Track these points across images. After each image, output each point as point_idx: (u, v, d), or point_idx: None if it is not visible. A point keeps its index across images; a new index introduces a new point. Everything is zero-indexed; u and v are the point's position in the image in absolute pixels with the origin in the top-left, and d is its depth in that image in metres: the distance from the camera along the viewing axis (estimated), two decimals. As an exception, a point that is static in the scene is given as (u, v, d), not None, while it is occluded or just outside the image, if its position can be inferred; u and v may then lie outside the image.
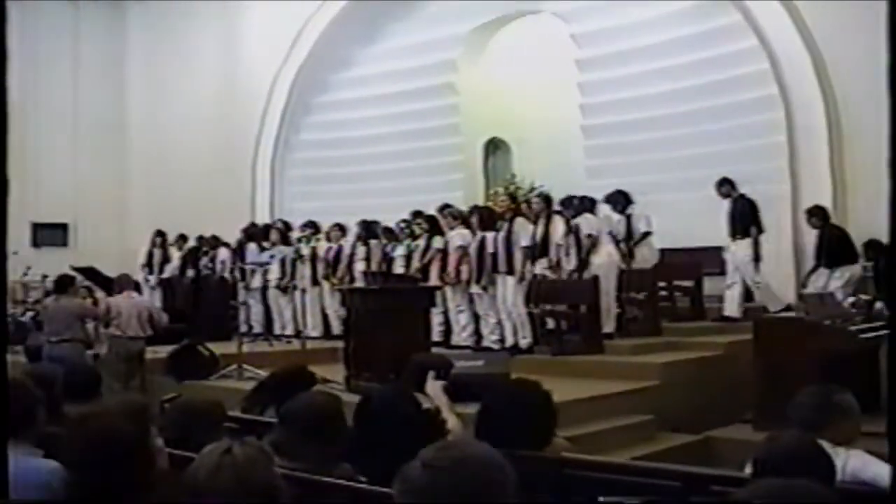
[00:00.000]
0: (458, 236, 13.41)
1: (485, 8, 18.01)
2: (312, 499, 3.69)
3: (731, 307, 13.30)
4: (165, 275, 17.70)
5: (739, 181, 13.59)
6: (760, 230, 13.20)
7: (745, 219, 13.20)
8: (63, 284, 12.41)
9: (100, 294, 15.17)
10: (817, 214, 12.98)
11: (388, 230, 15.04)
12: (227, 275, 16.56)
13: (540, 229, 12.74)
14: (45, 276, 16.68)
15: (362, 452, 4.03)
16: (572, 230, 12.72)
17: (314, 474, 3.83)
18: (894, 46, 2.56)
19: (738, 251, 13.23)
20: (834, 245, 12.70)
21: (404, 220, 14.80)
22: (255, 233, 16.81)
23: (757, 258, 13.16)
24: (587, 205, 13.16)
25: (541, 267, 12.61)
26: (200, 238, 17.59)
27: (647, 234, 13.63)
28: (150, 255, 17.89)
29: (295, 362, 8.40)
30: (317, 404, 4.40)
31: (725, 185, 13.51)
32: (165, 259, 17.73)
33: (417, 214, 14.48)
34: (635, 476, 4.39)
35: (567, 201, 13.50)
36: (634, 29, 16.18)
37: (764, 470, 3.51)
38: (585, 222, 12.81)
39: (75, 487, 3.03)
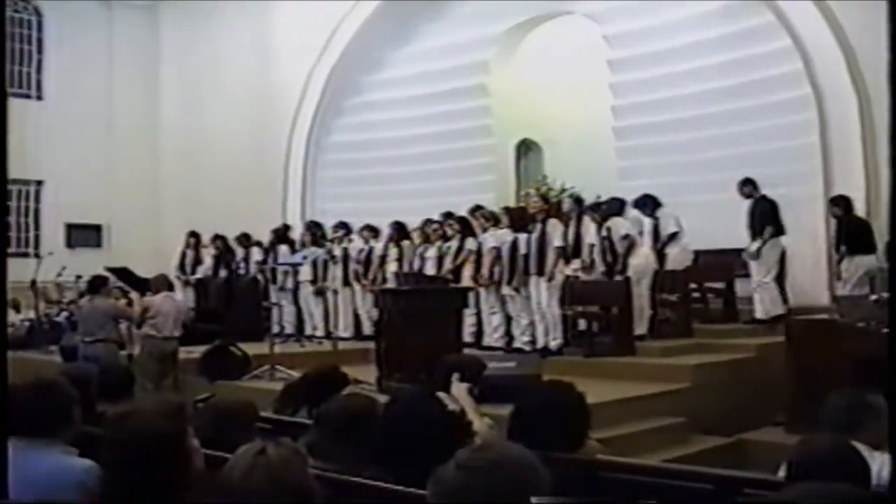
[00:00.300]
0: (492, 237, 13.41)
1: (517, 9, 18.00)
2: (343, 499, 3.70)
3: (760, 309, 13.21)
4: (198, 275, 17.73)
5: (772, 182, 13.51)
6: (780, 232, 13.14)
7: (765, 219, 13.14)
8: (96, 285, 12.48)
9: (133, 295, 15.24)
10: (839, 204, 12.92)
11: (419, 231, 15.05)
12: (258, 275, 16.61)
13: (571, 230, 12.73)
14: (79, 277, 16.78)
15: (388, 453, 4.04)
16: (604, 231, 12.71)
17: (347, 476, 3.84)
18: (894, 46, 2.55)
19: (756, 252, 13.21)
20: (853, 233, 12.63)
21: (435, 221, 14.79)
22: (286, 234, 16.88)
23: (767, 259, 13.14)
24: (616, 207, 13.14)
25: (572, 268, 12.59)
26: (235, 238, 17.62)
27: (675, 235, 13.58)
28: (184, 256, 17.95)
29: (327, 363, 8.40)
30: (351, 406, 4.41)
31: (748, 186, 13.45)
32: (198, 260, 17.77)
33: (449, 216, 14.47)
34: (668, 479, 4.38)
35: (595, 206, 13.48)
36: (667, 30, 16.13)
37: (798, 473, 3.49)
38: (620, 223, 12.79)
39: (112, 486, 3.05)
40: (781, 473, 4.02)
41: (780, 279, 13.21)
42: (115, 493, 3.02)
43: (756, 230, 13.19)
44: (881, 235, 12.43)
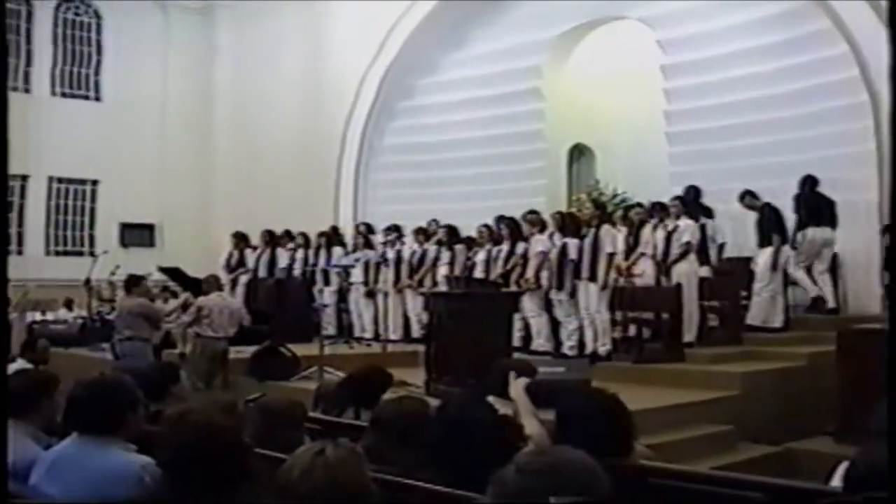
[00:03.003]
0: (540, 242, 13.42)
1: (571, 14, 18.02)
2: (398, 502, 3.73)
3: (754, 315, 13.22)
4: (242, 275, 17.66)
5: (826, 188, 13.46)
6: (785, 240, 13.18)
7: (771, 228, 13.11)
8: (128, 284, 12.61)
9: (184, 295, 15.37)
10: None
11: (469, 237, 15.09)
12: (308, 276, 16.67)
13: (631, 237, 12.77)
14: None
15: (439, 457, 4.06)
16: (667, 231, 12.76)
17: (402, 478, 3.87)
18: (895, 46, 2.56)
19: (760, 260, 13.25)
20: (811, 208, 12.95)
21: (485, 225, 14.82)
22: (337, 235, 16.96)
23: (775, 267, 13.09)
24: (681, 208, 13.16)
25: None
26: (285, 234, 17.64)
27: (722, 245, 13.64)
28: (230, 257, 17.93)
29: (371, 363, 8.45)
30: (406, 410, 4.44)
31: (747, 197, 13.53)
32: (241, 262, 17.70)
33: (502, 219, 14.50)
34: (718, 486, 4.37)
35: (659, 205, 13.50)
36: (720, 35, 16.07)
37: (858, 484, 3.47)
38: (687, 229, 12.75)
39: (175, 484, 3.10)
40: (835, 483, 4.02)
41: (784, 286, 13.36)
42: (177, 490, 3.07)
43: (764, 239, 13.19)
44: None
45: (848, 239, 13.67)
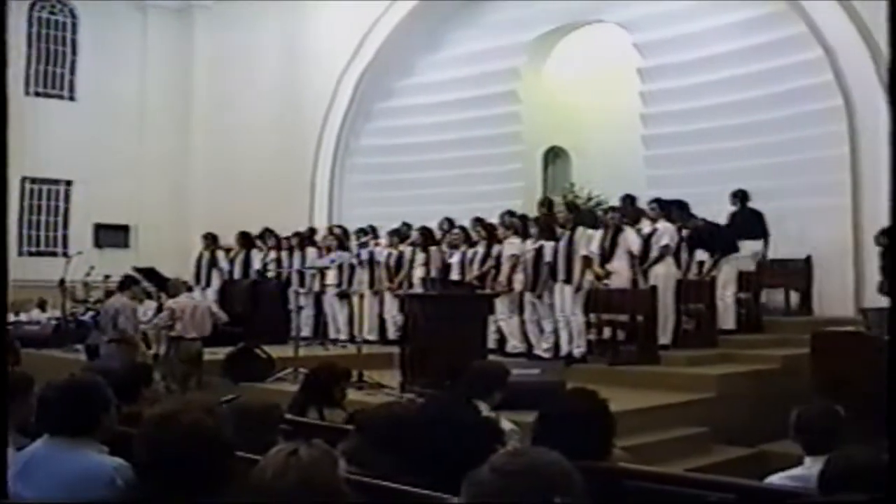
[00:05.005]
0: (512, 245, 13.42)
1: (548, 17, 18.05)
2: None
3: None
4: (214, 278, 17.56)
5: (800, 193, 13.53)
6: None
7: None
8: (122, 285, 12.61)
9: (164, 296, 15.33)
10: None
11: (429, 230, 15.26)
12: (283, 277, 16.64)
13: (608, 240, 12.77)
14: (107, 277, 16.93)
15: (421, 459, 4.04)
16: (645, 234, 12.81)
17: (380, 480, 3.86)
18: (895, 46, 2.57)
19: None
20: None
21: (460, 227, 14.83)
22: (312, 237, 16.93)
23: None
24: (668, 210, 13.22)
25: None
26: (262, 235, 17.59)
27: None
28: (200, 258, 17.81)
29: (324, 361, 8.48)
30: (393, 414, 4.42)
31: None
32: (213, 263, 17.62)
33: (478, 221, 14.50)
34: (693, 488, 4.38)
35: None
36: (697, 39, 16.14)
37: (833, 486, 3.49)
38: (666, 231, 12.78)
39: (153, 486, 3.08)
40: (771, 479, 4.09)
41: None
42: (153, 492, 3.05)
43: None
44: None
45: (821, 242, 13.74)
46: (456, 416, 4.25)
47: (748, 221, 13.73)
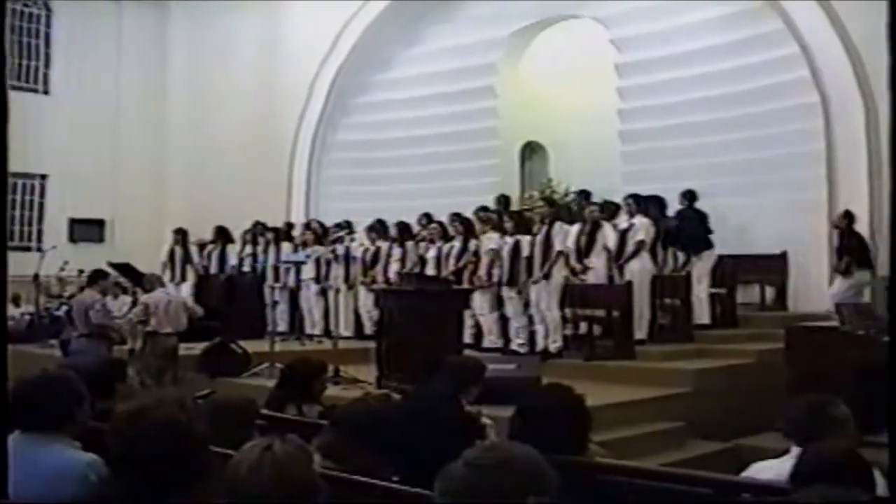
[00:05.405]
0: (491, 240, 13.42)
1: (525, 12, 18.02)
2: (351, 498, 3.71)
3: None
4: (189, 272, 17.51)
5: (777, 188, 13.59)
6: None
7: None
8: (92, 279, 12.54)
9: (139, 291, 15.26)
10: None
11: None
12: (258, 272, 16.60)
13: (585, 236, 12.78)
14: (81, 272, 16.82)
15: (403, 452, 4.03)
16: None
17: (356, 476, 3.85)
18: (894, 46, 2.58)
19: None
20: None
21: (437, 222, 14.82)
22: (289, 232, 16.92)
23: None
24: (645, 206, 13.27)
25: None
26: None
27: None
28: (172, 253, 17.74)
29: (300, 356, 8.51)
30: (369, 409, 4.40)
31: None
32: (187, 257, 17.56)
33: (456, 216, 14.49)
34: (666, 482, 4.39)
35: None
36: (674, 35, 16.14)
37: (805, 479, 3.50)
38: (643, 226, 12.81)
39: (128, 482, 3.05)
40: (746, 473, 4.09)
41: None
42: (127, 488, 3.03)
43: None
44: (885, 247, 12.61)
45: (796, 237, 13.79)
46: (441, 412, 4.25)
47: (692, 220, 13.77)
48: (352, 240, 15.67)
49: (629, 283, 12.23)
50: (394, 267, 14.72)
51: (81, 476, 3.70)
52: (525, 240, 12.92)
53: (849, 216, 13.05)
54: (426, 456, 3.84)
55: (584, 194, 15.07)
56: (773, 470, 4.38)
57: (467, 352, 10.85)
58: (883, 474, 3.78)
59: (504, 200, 16.13)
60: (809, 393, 4.88)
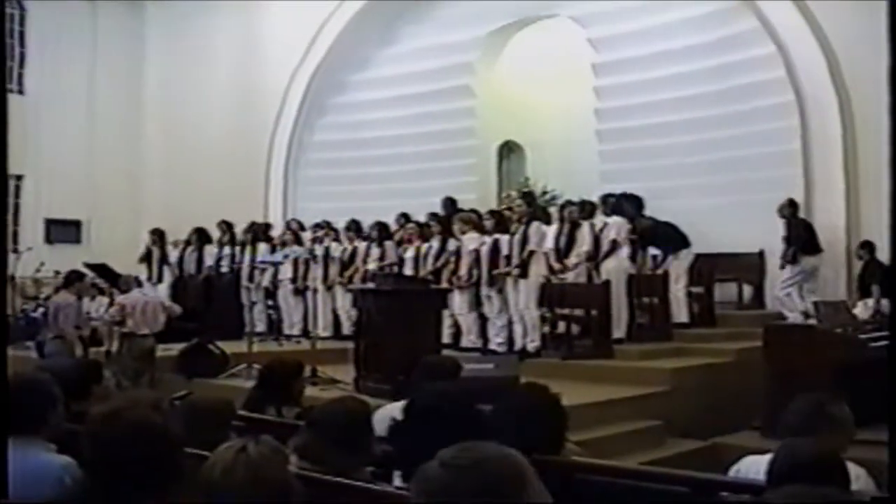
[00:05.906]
0: (472, 240, 13.41)
1: (502, 12, 18.02)
2: (327, 499, 3.70)
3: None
4: (166, 273, 17.42)
5: (753, 187, 13.63)
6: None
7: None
8: (67, 281, 12.48)
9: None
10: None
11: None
12: (236, 273, 16.54)
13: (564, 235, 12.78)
14: (57, 273, 16.71)
15: (408, 453, 3.99)
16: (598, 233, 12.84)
17: (331, 476, 3.83)
18: (894, 46, 2.57)
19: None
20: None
21: (415, 222, 14.81)
22: (267, 232, 16.86)
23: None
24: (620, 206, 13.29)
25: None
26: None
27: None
28: (149, 254, 17.63)
29: (276, 356, 8.51)
30: (347, 410, 4.37)
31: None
32: (164, 258, 17.46)
33: (434, 216, 14.48)
34: (644, 481, 4.39)
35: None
36: (651, 34, 16.17)
37: (780, 478, 3.50)
38: (617, 225, 12.83)
39: (101, 484, 3.03)
40: (731, 472, 4.10)
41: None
42: (101, 490, 3.00)
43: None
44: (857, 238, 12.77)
45: (774, 237, 13.82)
46: (450, 409, 4.23)
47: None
48: (332, 240, 15.63)
49: (607, 283, 12.25)
50: (372, 267, 14.69)
51: (56, 478, 3.67)
52: (504, 239, 12.93)
53: (793, 205, 13.24)
54: (425, 456, 3.83)
55: (530, 195, 15.15)
56: (766, 464, 4.38)
57: (446, 352, 10.83)
58: (870, 472, 3.79)
59: (451, 203, 16.03)
60: (787, 391, 4.88)
